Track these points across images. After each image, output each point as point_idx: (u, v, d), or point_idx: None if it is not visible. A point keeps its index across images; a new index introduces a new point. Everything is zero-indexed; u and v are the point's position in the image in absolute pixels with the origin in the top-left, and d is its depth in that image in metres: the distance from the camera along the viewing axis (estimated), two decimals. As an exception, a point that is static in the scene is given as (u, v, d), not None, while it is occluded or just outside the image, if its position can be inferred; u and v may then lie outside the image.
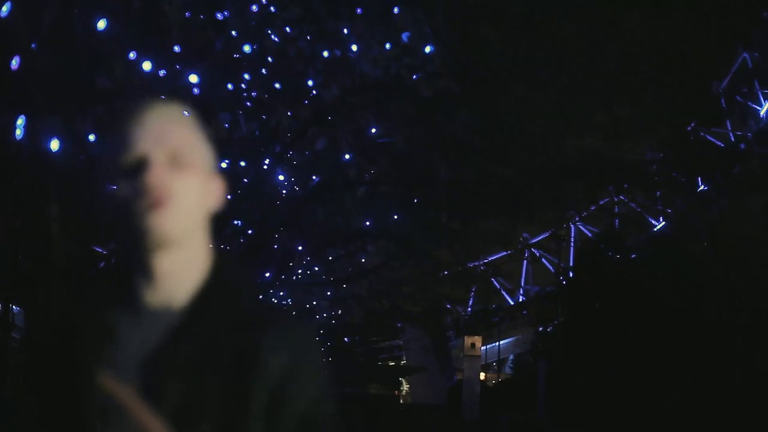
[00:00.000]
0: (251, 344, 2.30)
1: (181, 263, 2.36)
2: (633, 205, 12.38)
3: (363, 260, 12.12)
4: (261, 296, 2.32)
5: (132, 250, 2.35)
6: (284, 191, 8.78)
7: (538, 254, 13.32)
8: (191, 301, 2.36)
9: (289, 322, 2.37)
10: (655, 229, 10.91)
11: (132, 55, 7.44)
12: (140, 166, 2.26)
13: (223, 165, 8.02)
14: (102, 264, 7.93)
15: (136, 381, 2.28)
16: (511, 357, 19.45)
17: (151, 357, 2.31)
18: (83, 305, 2.39)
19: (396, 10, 7.70)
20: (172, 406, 2.25)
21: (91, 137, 7.50)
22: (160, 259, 2.32)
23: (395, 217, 9.56)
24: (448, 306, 16.88)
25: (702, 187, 11.39)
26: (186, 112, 2.43)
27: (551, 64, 8.55)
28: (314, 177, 8.69)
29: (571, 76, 8.66)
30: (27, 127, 7.15)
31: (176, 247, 2.33)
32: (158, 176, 2.25)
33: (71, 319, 2.41)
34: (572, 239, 12.95)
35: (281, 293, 9.76)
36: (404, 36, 7.82)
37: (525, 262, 13.47)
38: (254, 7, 7.76)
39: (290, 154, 8.74)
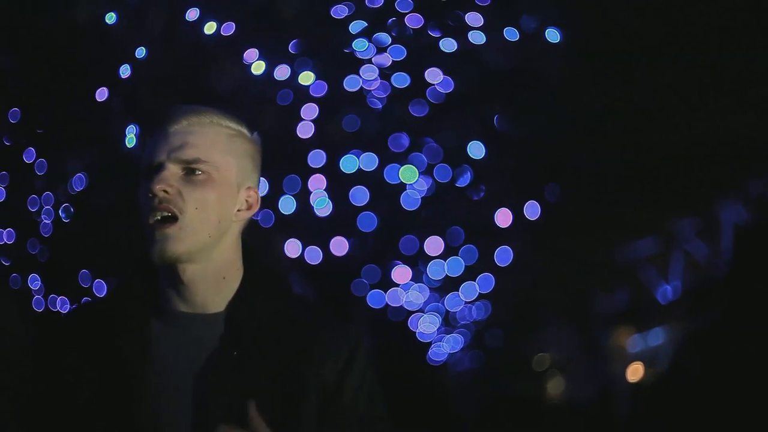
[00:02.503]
0: (302, 351, 2.29)
1: (210, 275, 2.32)
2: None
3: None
4: (303, 297, 2.25)
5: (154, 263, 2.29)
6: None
7: (684, 243, 12.97)
8: (231, 310, 2.33)
9: (338, 325, 2.38)
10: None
11: (246, 56, 7.33)
12: (151, 177, 2.24)
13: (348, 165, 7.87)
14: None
15: (181, 396, 2.26)
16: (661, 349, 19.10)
17: (196, 372, 2.28)
18: (116, 315, 2.34)
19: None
20: (218, 418, 2.21)
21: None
22: (187, 274, 2.31)
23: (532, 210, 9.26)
24: (594, 297, 16.58)
25: None
26: (224, 124, 2.29)
27: (689, 38, 8.17)
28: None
29: (712, 51, 8.27)
30: (139, 136, 7.10)
31: (200, 259, 2.30)
32: (165, 185, 2.23)
33: (105, 331, 2.34)
34: (722, 227, 12.50)
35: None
36: (526, 20, 7.57)
37: (673, 251, 13.12)
38: (374, 1, 7.61)
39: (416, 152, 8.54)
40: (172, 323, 2.32)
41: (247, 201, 2.38)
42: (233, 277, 2.35)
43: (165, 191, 2.22)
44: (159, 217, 2.23)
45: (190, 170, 2.27)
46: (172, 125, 2.30)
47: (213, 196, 2.29)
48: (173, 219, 2.23)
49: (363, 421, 2.31)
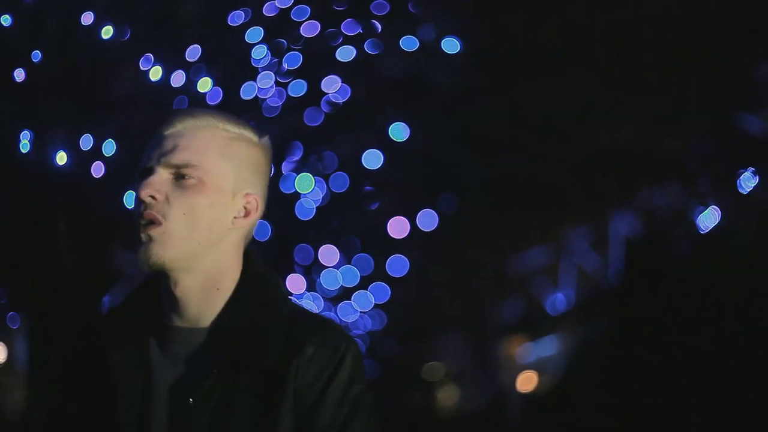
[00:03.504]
0: (281, 365, 2.23)
1: (202, 285, 2.27)
2: (673, 199, 12.10)
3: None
4: (299, 308, 2.20)
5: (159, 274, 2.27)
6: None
7: (575, 254, 13.09)
8: (216, 323, 2.28)
9: (326, 337, 2.28)
10: (703, 229, 10.60)
11: (142, 62, 7.26)
12: (141, 178, 2.17)
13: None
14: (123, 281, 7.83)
15: (166, 410, 2.24)
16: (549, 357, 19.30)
17: (181, 386, 2.24)
18: (111, 331, 2.31)
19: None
20: None
21: (106, 148, 7.29)
22: (180, 283, 2.25)
23: (427, 220, 9.30)
24: (487, 307, 16.69)
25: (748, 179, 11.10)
26: (222, 126, 2.27)
27: (578, 52, 8.28)
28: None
29: (600, 63, 8.40)
30: (33, 141, 6.99)
31: (191, 269, 2.25)
32: (151, 191, 2.17)
33: (100, 347, 2.31)
34: (611, 237, 12.65)
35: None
36: (424, 30, 7.62)
37: (563, 261, 13.19)
38: (270, 9, 7.59)
39: (312, 159, 8.53)
40: (168, 338, 2.28)
41: (245, 208, 2.29)
42: (228, 288, 2.29)
43: (152, 197, 2.18)
44: (143, 223, 2.18)
45: (179, 175, 2.20)
46: (166, 129, 2.24)
47: (203, 202, 2.21)
48: (157, 224, 2.19)
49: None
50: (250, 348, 2.22)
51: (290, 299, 2.36)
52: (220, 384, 2.22)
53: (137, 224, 2.18)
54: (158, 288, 2.29)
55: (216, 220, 2.23)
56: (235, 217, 2.28)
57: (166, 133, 2.22)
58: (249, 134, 2.30)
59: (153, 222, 2.17)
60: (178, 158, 2.20)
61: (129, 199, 7.14)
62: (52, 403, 2.37)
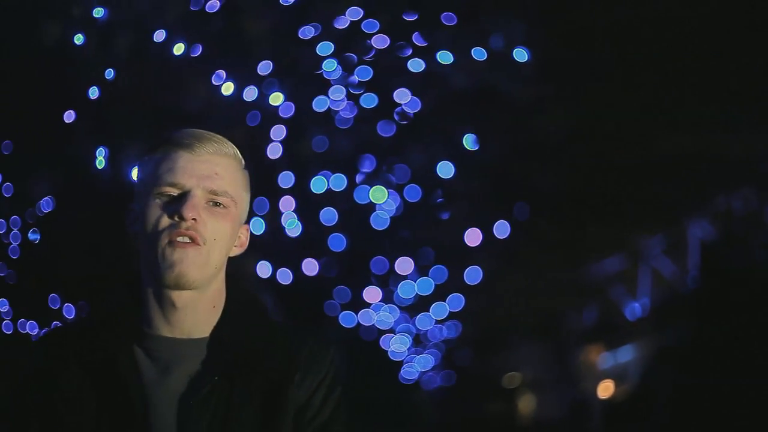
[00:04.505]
0: (284, 371, 2.31)
1: (202, 304, 2.33)
2: (749, 204, 11.95)
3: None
4: (278, 321, 2.29)
5: (152, 288, 2.31)
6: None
7: (651, 261, 12.98)
8: (215, 333, 2.34)
9: (316, 344, 2.39)
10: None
11: (214, 77, 7.32)
12: (179, 200, 2.25)
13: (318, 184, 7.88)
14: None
15: (165, 421, 2.26)
16: (631, 364, 19.13)
17: (178, 397, 2.27)
18: (97, 340, 2.33)
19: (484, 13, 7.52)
20: None
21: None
22: (183, 300, 2.30)
23: (501, 229, 9.26)
24: (564, 315, 16.60)
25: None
26: (239, 157, 2.32)
27: (648, 58, 8.22)
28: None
29: (671, 68, 8.32)
30: (108, 157, 7.07)
31: (199, 292, 2.31)
32: (195, 213, 2.24)
33: (85, 359, 2.32)
34: (689, 244, 12.55)
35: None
36: (494, 40, 7.59)
37: (640, 268, 13.09)
38: (340, 23, 7.61)
39: (385, 173, 8.53)
40: (155, 348, 2.30)
41: (240, 238, 2.40)
42: (220, 305, 2.36)
43: (194, 219, 2.23)
44: (180, 240, 2.22)
45: (214, 201, 2.27)
46: (198, 150, 2.28)
47: (229, 230, 2.30)
48: (197, 244, 2.23)
49: None
50: (248, 358, 2.27)
51: (270, 313, 2.45)
52: (217, 392, 2.27)
53: (171, 240, 2.21)
54: (137, 297, 2.33)
55: (229, 248, 2.32)
56: (234, 246, 2.40)
57: (199, 155, 2.26)
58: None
59: (193, 241, 2.21)
60: (217, 185, 2.27)
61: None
62: (38, 419, 2.33)
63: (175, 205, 2.24)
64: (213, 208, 2.27)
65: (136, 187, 2.35)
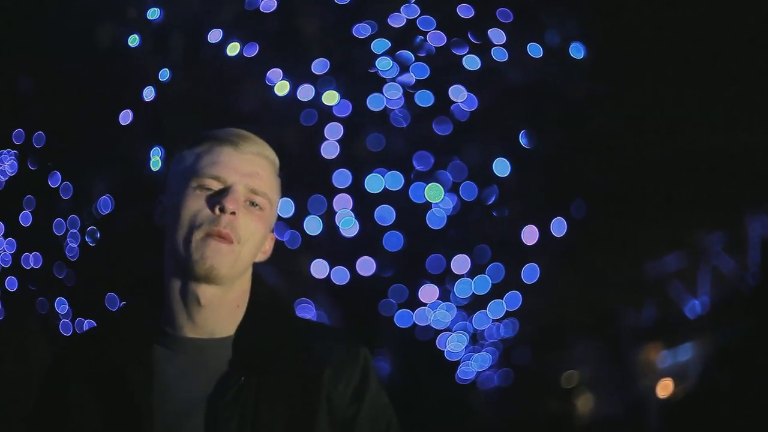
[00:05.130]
0: (314, 374, 2.31)
1: (227, 302, 2.38)
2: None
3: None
4: (308, 320, 2.30)
5: (178, 284, 2.37)
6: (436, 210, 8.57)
7: (712, 258, 12.83)
8: (240, 334, 2.37)
9: (347, 346, 2.40)
10: None
11: (269, 77, 7.33)
12: (220, 193, 2.31)
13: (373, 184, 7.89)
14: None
15: (190, 422, 2.28)
16: (690, 363, 18.91)
17: (204, 398, 2.29)
18: (120, 342, 2.38)
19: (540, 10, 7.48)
20: None
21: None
22: (207, 296, 2.36)
23: (558, 227, 9.23)
24: (622, 313, 16.52)
25: None
26: (276, 162, 2.32)
27: (705, 52, 8.15)
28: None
29: (728, 63, 8.25)
30: (164, 158, 7.11)
31: (225, 290, 2.36)
32: (236, 207, 2.31)
33: (108, 359, 2.37)
34: (750, 240, 12.38)
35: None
36: (550, 36, 7.55)
37: (700, 266, 12.92)
38: (395, 20, 7.61)
39: (440, 171, 8.53)
40: (178, 349, 2.30)
41: (265, 244, 2.38)
42: (244, 304, 2.35)
43: (233, 213, 2.22)
44: (216, 234, 2.21)
45: (252, 201, 2.26)
46: (243, 148, 2.27)
47: (262, 231, 2.32)
48: (229, 239, 2.22)
49: None
50: (275, 356, 2.24)
51: (296, 313, 2.43)
52: (245, 392, 2.28)
53: (209, 231, 2.19)
54: (159, 297, 2.31)
55: (258, 251, 2.30)
56: (260, 251, 2.47)
57: (243, 152, 2.24)
58: None
59: (226, 239, 2.20)
60: (258, 185, 2.27)
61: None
62: (60, 420, 2.37)
63: (216, 198, 2.23)
64: (250, 207, 2.27)
65: (171, 179, 2.33)
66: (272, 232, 2.39)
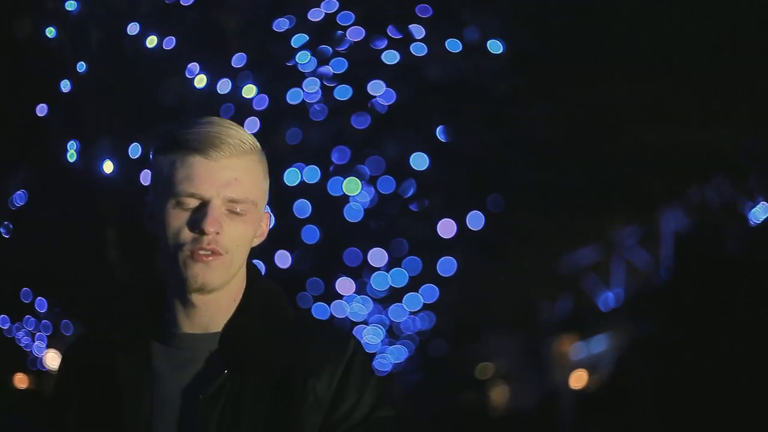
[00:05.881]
0: (293, 368, 2.25)
1: (223, 300, 2.30)
2: (723, 195, 12.00)
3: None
4: (300, 313, 2.23)
5: (173, 287, 2.28)
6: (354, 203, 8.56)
7: (625, 251, 12.96)
8: (227, 328, 2.30)
9: (333, 340, 2.32)
10: (755, 223, 10.35)
11: (188, 70, 7.27)
12: (199, 210, 2.20)
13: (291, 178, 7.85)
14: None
15: (174, 413, 2.25)
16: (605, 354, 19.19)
17: (189, 390, 2.26)
18: (117, 338, 2.33)
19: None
20: None
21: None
22: (203, 299, 2.26)
23: (475, 220, 9.26)
24: (537, 306, 16.68)
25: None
26: (257, 149, 2.27)
27: (624, 53, 8.24)
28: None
29: (647, 63, 8.35)
30: (80, 151, 7.02)
31: (224, 287, 2.28)
32: (217, 227, 2.19)
33: (105, 354, 2.32)
34: (661, 234, 12.53)
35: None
36: (469, 32, 7.57)
37: (613, 258, 13.03)
38: (315, 15, 7.58)
39: (358, 164, 8.52)
40: (174, 344, 2.28)
41: (261, 227, 2.34)
42: (240, 298, 2.33)
43: (216, 232, 2.19)
44: (203, 252, 2.18)
45: (234, 210, 2.22)
46: (215, 156, 2.22)
47: (250, 233, 2.25)
48: (214, 257, 2.19)
49: (363, 425, 2.26)
50: (260, 351, 2.24)
51: (293, 307, 2.39)
52: (228, 386, 2.24)
53: (192, 250, 2.17)
54: (160, 294, 2.31)
55: (250, 245, 2.28)
56: (255, 238, 2.33)
57: (216, 160, 2.19)
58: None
59: (213, 254, 2.18)
60: (237, 192, 2.21)
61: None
62: (59, 412, 2.38)
63: (195, 216, 2.18)
64: (233, 215, 2.22)
65: (151, 183, 2.29)
66: (267, 211, 2.35)
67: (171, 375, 2.27)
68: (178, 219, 2.19)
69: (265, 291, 2.35)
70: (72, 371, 2.36)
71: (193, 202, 2.20)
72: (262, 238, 2.34)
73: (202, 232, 2.17)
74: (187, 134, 2.22)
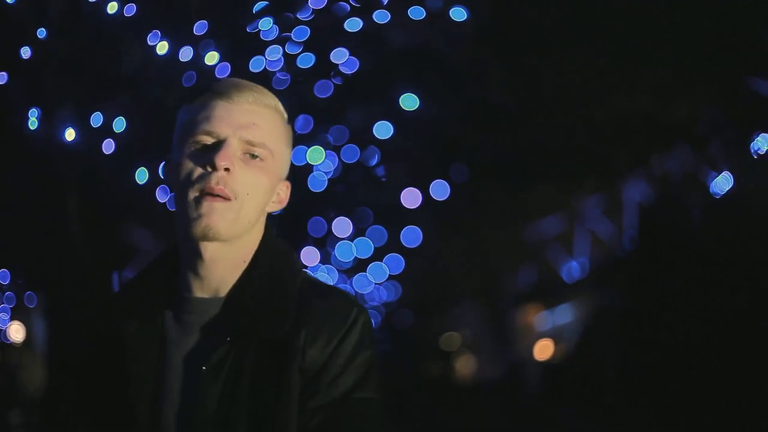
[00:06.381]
0: (290, 335, 2.22)
1: (232, 257, 2.27)
2: (685, 165, 12.04)
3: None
4: (312, 279, 2.19)
5: (183, 242, 2.27)
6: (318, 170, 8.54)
7: (589, 222, 12.96)
8: (231, 293, 2.27)
9: (335, 307, 2.27)
10: (718, 194, 10.39)
11: (150, 38, 7.21)
12: (213, 149, 2.18)
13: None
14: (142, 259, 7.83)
15: (180, 378, 2.24)
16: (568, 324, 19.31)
17: (193, 358, 2.25)
18: (131, 306, 2.32)
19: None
20: (211, 405, 2.20)
21: (116, 125, 7.26)
22: (210, 252, 2.24)
23: (439, 190, 9.25)
24: (502, 276, 16.69)
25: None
26: (281, 110, 2.25)
27: (585, 23, 8.23)
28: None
29: (607, 33, 8.33)
30: (41, 119, 6.97)
31: (230, 244, 2.25)
32: (229, 162, 2.17)
33: (119, 322, 2.31)
34: (624, 204, 12.56)
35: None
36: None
37: (577, 229, 13.00)
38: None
39: (322, 133, 8.49)
40: (184, 309, 2.26)
41: (278, 194, 2.30)
42: (249, 259, 2.29)
43: (227, 168, 2.16)
44: (209, 192, 2.15)
45: (251, 153, 2.19)
46: (236, 99, 2.20)
47: (265, 184, 2.21)
48: (226, 197, 2.16)
49: (340, 402, 2.24)
50: (263, 318, 2.21)
51: (304, 271, 2.35)
52: (233, 352, 2.21)
53: (201, 192, 2.15)
54: (175, 260, 2.29)
55: (265, 203, 2.24)
56: (272, 202, 2.31)
57: (236, 104, 2.18)
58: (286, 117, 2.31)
59: (221, 196, 2.15)
60: (255, 136, 2.18)
61: (141, 176, 7.11)
62: (71, 380, 2.38)
63: (209, 154, 2.17)
64: (249, 160, 2.18)
65: (174, 137, 2.28)
66: (287, 179, 2.31)
67: (179, 342, 2.25)
68: (192, 158, 2.17)
69: (275, 253, 2.31)
70: (87, 338, 2.34)
71: (210, 140, 2.18)
72: (281, 206, 2.30)
73: (213, 167, 2.14)
74: (212, 83, 2.23)
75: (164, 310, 2.30)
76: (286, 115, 2.30)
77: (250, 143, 2.19)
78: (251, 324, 2.23)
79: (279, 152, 2.27)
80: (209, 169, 2.16)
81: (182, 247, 2.27)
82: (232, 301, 2.26)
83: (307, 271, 2.41)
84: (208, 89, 2.23)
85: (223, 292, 2.27)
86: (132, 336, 2.28)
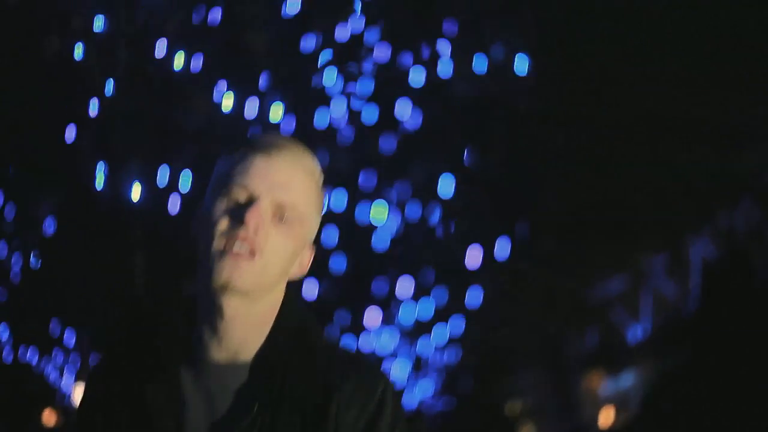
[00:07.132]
0: (322, 401, 2.20)
1: (253, 316, 2.23)
2: (752, 220, 11.92)
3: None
4: (335, 345, 2.17)
5: (203, 296, 2.23)
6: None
7: (654, 281, 12.88)
8: (258, 357, 2.24)
9: (364, 375, 2.26)
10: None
11: (216, 92, 7.28)
12: (245, 206, 2.16)
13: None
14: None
15: None
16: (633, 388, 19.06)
17: (220, 425, 2.20)
18: (144, 363, 2.27)
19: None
20: None
21: (182, 180, 7.31)
22: (231, 308, 2.20)
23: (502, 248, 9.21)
24: (565, 339, 16.54)
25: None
26: (317, 172, 2.24)
27: (648, 72, 8.22)
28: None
29: (671, 81, 8.31)
30: (108, 175, 7.03)
31: (251, 302, 2.21)
32: (259, 221, 2.15)
33: (133, 380, 2.26)
34: (691, 263, 12.43)
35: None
36: (495, 50, 7.55)
37: (642, 289, 12.92)
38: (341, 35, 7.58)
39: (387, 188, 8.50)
40: (202, 372, 2.23)
41: (301, 260, 2.29)
42: (271, 322, 2.27)
43: (256, 226, 2.15)
44: (237, 247, 2.14)
45: (281, 214, 2.18)
46: (275, 156, 2.19)
47: (291, 247, 2.18)
48: (254, 253, 2.15)
49: None
50: (293, 383, 2.17)
51: (326, 335, 2.33)
52: (260, 421, 2.18)
53: (227, 241, 2.13)
54: (191, 317, 2.25)
55: (288, 266, 2.22)
56: (299, 267, 2.28)
57: (274, 160, 2.16)
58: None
59: (250, 253, 2.13)
60: (287, 198, 2.16)
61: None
62: None
63: (240, 210, 2.16)
64: (278, 221, 2.18)
65: (208, 187, 2.27)
66: (312, 244, 2.29)
67: (201, 406, 2.21)
68: (221, 209, 2.16)
69: (298, 317, 2.28)
70: (98, 396, 2.30)
71: (243, 195, 2.16)
72: (302, 272, 2.28)
73: (242, 222, 2.13)
74: (254, 137, 2.23)
75: (180, 370, 2.26)
76: (321, 175, 2.28)
77: (281, 206, 2.17)
78: (281, 390, 2.20)
79: (308, 218, 2.24)
80: (238, 224, 2.14)
81: (201, 302, 2.23)
82: (259, 365, 2.22)
83: (327, 335, 2.40)
84: (249, 143, 2.22)
85: (244, 354, 2.23)
86: (151, 397, 2.24)
